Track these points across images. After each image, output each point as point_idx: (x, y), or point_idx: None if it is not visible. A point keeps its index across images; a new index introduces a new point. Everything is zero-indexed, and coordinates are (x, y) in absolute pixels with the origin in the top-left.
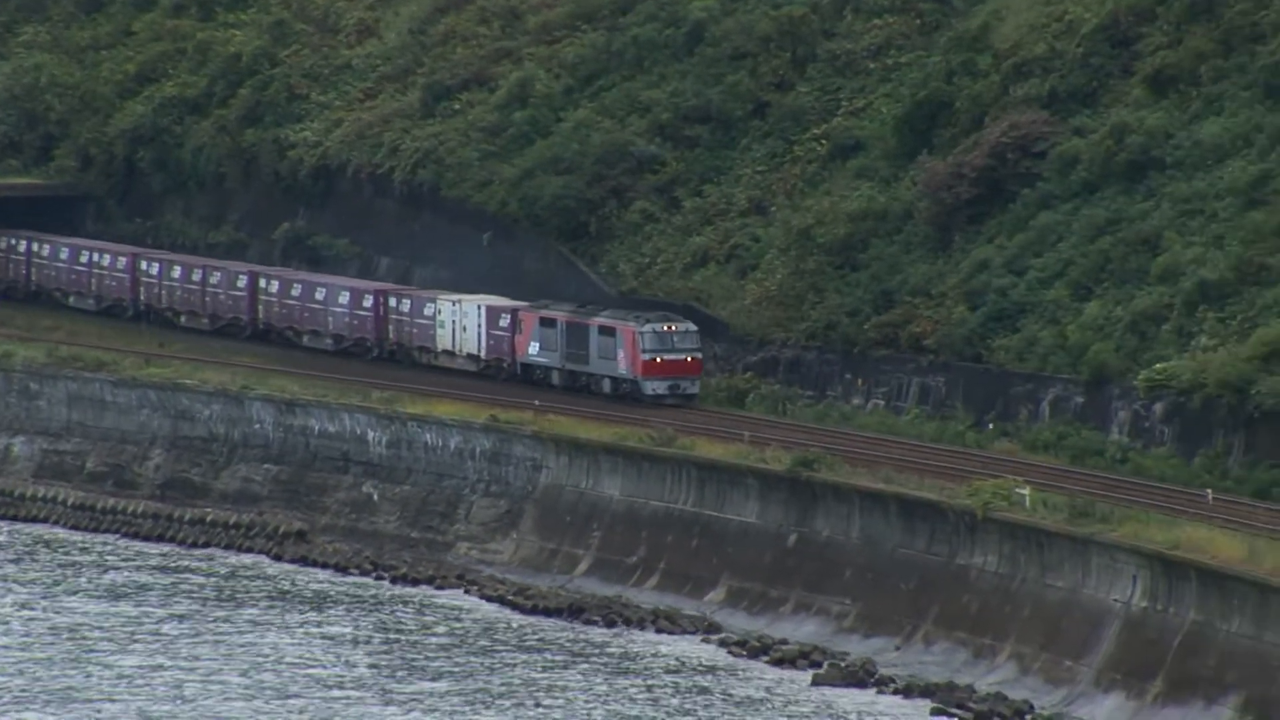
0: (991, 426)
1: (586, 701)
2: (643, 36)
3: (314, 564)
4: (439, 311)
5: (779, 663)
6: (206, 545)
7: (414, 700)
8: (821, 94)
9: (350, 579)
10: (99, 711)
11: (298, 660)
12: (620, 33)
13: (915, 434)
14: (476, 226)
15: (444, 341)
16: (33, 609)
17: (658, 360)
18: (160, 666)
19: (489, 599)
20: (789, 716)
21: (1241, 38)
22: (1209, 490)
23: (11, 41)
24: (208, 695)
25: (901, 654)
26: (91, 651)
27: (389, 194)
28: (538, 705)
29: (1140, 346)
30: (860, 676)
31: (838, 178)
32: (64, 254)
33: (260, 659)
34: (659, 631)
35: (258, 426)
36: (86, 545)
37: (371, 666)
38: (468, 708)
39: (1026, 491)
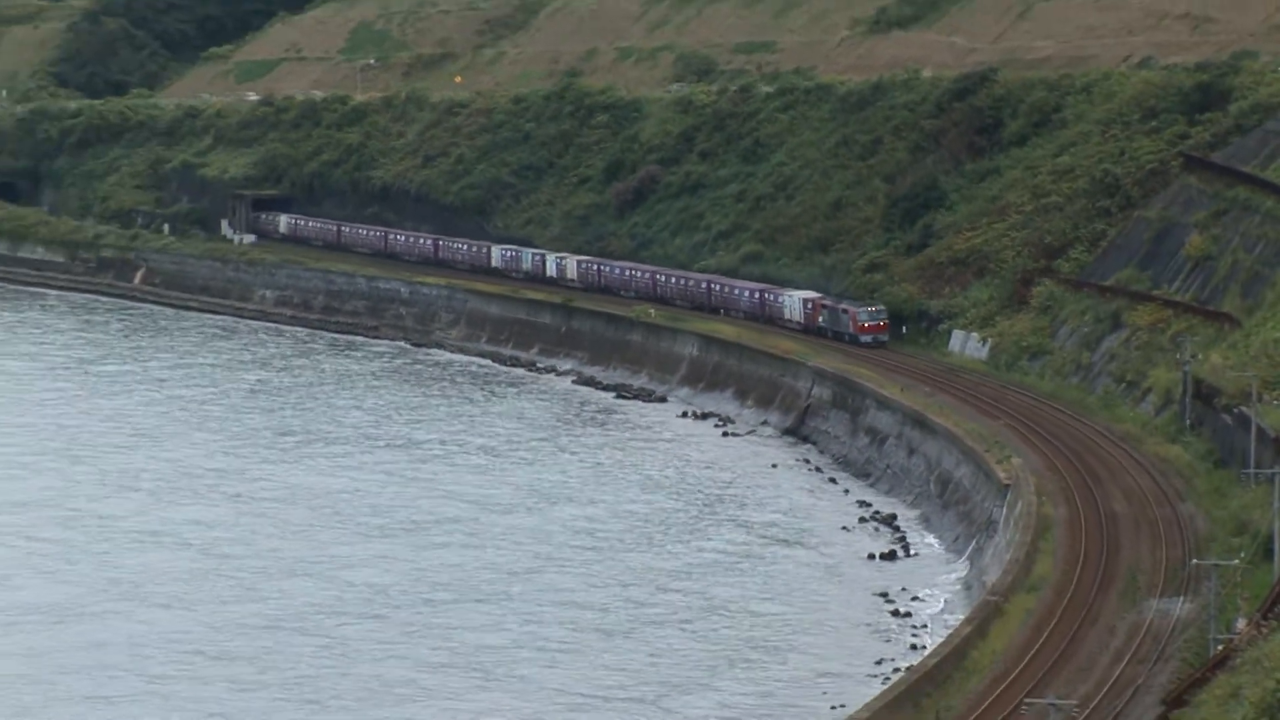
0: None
1: (374, 377)
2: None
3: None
4: (785, 301)
5: (552, 373)
6: (349, 332)
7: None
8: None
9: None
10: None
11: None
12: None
13: None
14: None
15: (788, 315)
16: (283, 360)
17: (866, 325)
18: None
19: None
20: (553, 393)
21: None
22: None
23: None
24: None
25: (605, 371)
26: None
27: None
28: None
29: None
30: (592, 381)
31: None
32: (617, 271)
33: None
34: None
35: (347, 283)
36: (291, 331)
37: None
38: (298, 359)
39: (653, 311)
